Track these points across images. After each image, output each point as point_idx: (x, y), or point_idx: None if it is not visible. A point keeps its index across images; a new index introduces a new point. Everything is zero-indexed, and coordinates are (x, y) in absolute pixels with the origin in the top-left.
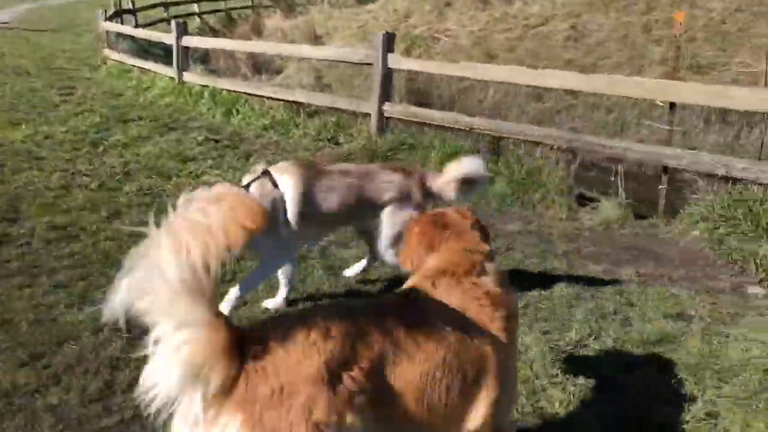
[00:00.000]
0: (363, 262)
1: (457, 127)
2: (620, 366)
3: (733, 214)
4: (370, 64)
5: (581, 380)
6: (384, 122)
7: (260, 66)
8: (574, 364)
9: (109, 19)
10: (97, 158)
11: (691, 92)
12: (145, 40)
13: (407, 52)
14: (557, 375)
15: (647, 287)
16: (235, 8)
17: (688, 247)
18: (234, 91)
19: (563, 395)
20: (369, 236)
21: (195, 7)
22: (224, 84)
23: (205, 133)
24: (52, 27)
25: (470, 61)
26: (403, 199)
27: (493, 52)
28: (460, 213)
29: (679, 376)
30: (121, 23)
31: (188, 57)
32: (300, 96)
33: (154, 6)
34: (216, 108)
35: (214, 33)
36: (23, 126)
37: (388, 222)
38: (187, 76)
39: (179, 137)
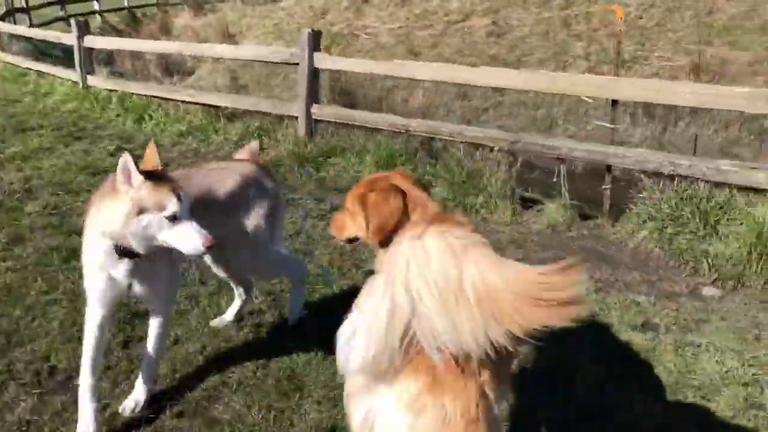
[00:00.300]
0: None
1: (391, 129)
2: (595, 388)
3: (681, 212)
4: (295, 63)
5: (556, 408)
6: (312, 125)
7: (171, 67)
8: (545, 390)
9: (1, 18)
10: None
11: (637, 89)
12: (42, 41)
13: (327, 50)
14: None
15: (606, 294)
16: (138, 6)
17: (638, 249)
18: (146, 96)
19: None
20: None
21: (95, 5)
22: (134, 88)
23: (116, 141)
24: None
25: (394, 58)
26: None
27: (416, 49)
28: (403, 175)
29: (664, 398)
30: (14, 23)
31: (92, 59)
32: (220, 99)
33: (49, 4)
34: (126, 114)
35: (118, 33)
36: None
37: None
38: (92, 80)
39: (87, 147)
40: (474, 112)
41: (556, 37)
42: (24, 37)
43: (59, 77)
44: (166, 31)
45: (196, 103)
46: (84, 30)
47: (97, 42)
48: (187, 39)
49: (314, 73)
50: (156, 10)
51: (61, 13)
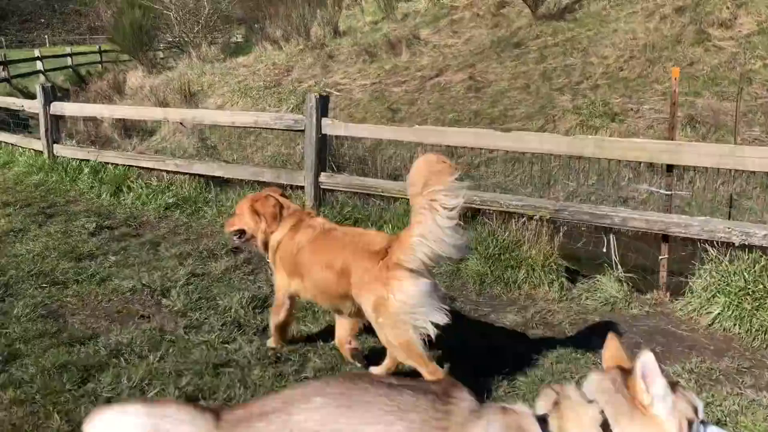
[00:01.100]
0: None
1: (405, 197)
2: None
3: (759, 286)
4: (300, 130)
5: None
6: (321, 195)
7: (129, 128)
8: None
9: None
10: None
11: (701, 155)
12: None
13: (298, 109)
14: None
15: (713, 389)
16: (82, 64)
17: (714, 328)
18: (123, 165)
19: None
20: None
21: (38, 64)
22: (109, 156)
23: (95, 218)
24: None
25: (370, 115)
26: None
27: (394, 105)
28: (274, 190)
29: None
30: None
31: (59, 126)
32: (213, 169)
33: None
34: (101, 186)
35: (65, 92)
36: None
37: None
38: (60, 149)
39: (63, 227)
40: (464, 168)
41: (539, 90)
42: None
43: (18, 146)
44: (118, 91)
45: (185, 173)
46: (51, 95)
47: (66, 108)
48: (142, 98)
49: (322, 140)
50: (100, 68)
51: (3, 74)
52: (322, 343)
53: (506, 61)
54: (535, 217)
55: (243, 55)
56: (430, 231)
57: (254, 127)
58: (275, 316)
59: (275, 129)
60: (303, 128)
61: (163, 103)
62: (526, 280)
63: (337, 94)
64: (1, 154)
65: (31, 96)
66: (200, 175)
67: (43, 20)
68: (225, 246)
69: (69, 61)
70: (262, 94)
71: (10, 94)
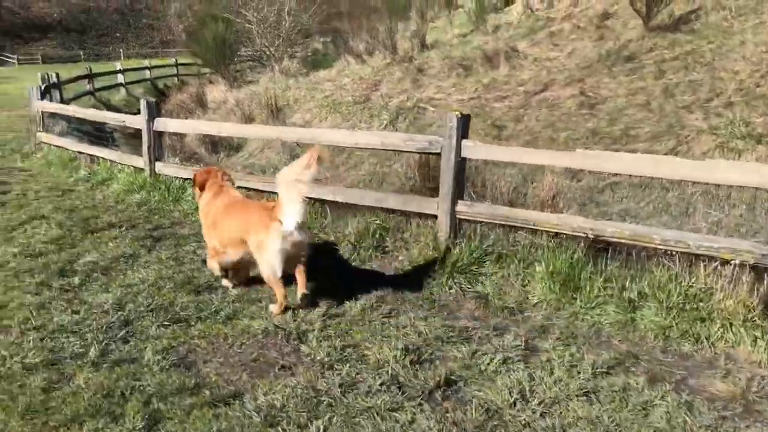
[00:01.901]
0: None
1: (572, 233)
2: None
3: None
4: (435, 153)
5: None
6: (457, 226)
7: (215, 142)
8: None
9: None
10: (76, 299)
11: None
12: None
13: (392, 125)
14: None
15: None
16: (159, 77)
17: None
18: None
19: None
20: None
21: (119, 77)
22: None
23: (203, 243)
24: None
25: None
26: None
27: (498, 122)
28: (216, 168)
29: None
30: (51, 100)
31: (162, 143)
32: (332, 194)
33: (77, 78)
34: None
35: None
36: None
37: None
38: (162, 167)
39: (174, 253)
40: (586, 192)
41: (662, 108)
42: (67, 117)
43: (117, 162)
44: (201, 104)
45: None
46: (154, 111)
47: (170, 125)
48: (227, 113)
49: (461, 164)
50: (176, 81)
51: (88, 87)
52: None
53: (619, 76)
54: (734, 262)
55: (324, 68)
56: (296, 204)
57: (382, 149)
58: (212, 261)
59: (404, 152)
60: (439, 151)
61: (249, 118)
62: (720, 337)
63: (432, 109)
64: (99, 170)
65: (114, 108)
66: (314, 199)
67: (118, 34)
68: (359, 282)
69: (147, 74)
70: (351, 109)
71: (94, 106)
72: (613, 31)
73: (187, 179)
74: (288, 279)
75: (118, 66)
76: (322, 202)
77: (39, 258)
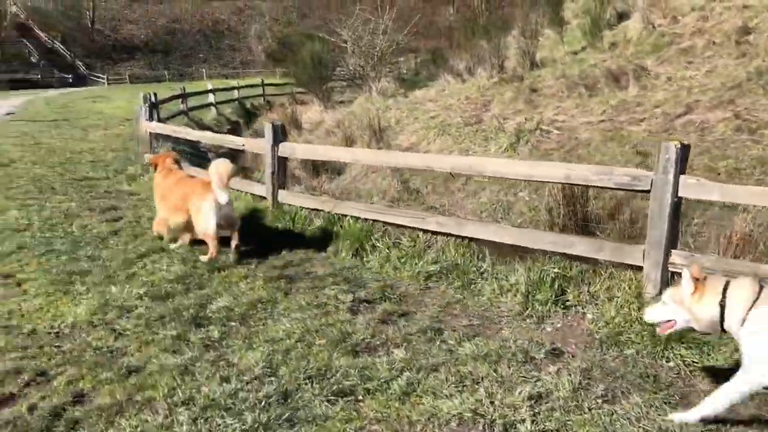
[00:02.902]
0: None
1: None
2: None
3: None
4: (644, 190)
5: None
6: (669, 281)
7: (317, 165)
8: None
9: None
10: (221, 361)
11: None
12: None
13: (512, 149)
14: None
15: None
16: (246, 97)
17: None
18: (365, 219)
19: None
20: None
21: (210, 97)
22: (349, 208)
23: (344, 286)
24: (52, 119)
25: (609, 158)
26: None
27: (640, 147)
28: (169, 153)
29: None
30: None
31: (286, 170)
32: (497, 234)
33: (173, 98)
34: (338, 243)
35: (233, 124)
36: (79, 292)
37: None
38: (286, 196)
39: (314, 297)
40: None
41: None
42: (166, 136)
43: (234, 189)
44: (296, 125)
45: (448, 234)
46: (279, 135)
47: (297, 150)
48: (325, 134)
49: (677, 206)
50: (262, 101)
51: (182, 107)
52: None
53: None
54: None
55: (420, 88)
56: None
57: (569, 183)
58: (161, 227)
59: (596, 187)
60: (648, 188)
61: (350, 140)
62: None
63: (557, 132)
64: None
65: (206, 127)
66: (468, 238)
67: (201, 55)
68: (541, 344)
69: (235, 93)
70: (462, 131)
71: (187, 125)
72: (756, 47)
73: (315, 210)
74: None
75: (209, 86)
76: (476, 240)
77: (168, 301)
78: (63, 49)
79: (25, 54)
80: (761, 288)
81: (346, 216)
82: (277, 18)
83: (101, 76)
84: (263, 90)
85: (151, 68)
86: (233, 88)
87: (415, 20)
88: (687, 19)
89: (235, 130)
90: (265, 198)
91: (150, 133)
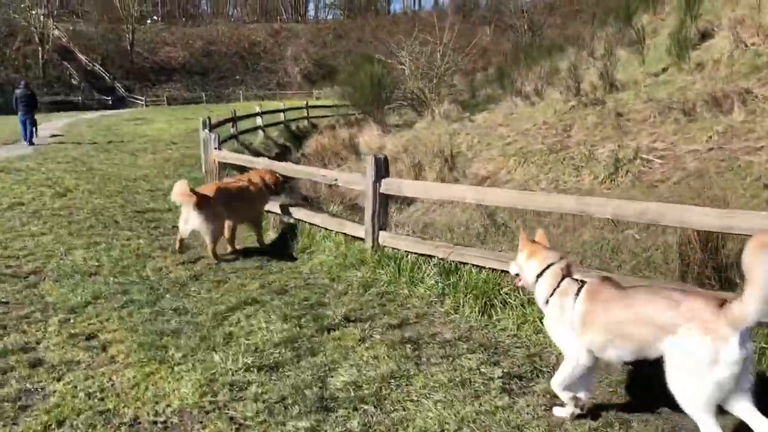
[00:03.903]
0: None
1: None
2: None
3: None
4: None
5: None
6: None
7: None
8: None
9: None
10: None
11: None
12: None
13: (611, 180)
14: None
15: None
16: (291, 120)
17: None
18: (491, 269)
19: None
20: None
21: (258, 120)
22: (471, 256)
23: (483, 355)
24: (97, 142)
25: (732, 192)
26: None
27: (766, 180)
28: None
29: None
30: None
31: (388, 209)
32: None
33: (224, 122)
34: (457, 296)
35: (281, 148)
36: (177, 361)
37: None
38: (388, 239)
39: (450, 370)
40: None
41: None
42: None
43: (321, 227)
44: (353, 150)
45: None
46: (382, 170)
47: (405, 188)
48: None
49: None
50: (306, 123)
51: (232, 131)
52: None
53: None
54: None
55: (480, 111)
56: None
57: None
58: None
59: None
60: None
61: (419, 167)
62: None
63: (660, 162)
64: (297, 235)
65: (256, 152)
66: None
67: (237, 77)
68: None
69: (281, 116)
70: (547, 159)
71: (237, 151)
72: None
73: (426, 256)
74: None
75: (258, 108)
76: None
77: (281, 373)
78: (103, 71)
79: (67, 76)
80: (563, 278)
81: (465, 264)
82: (312, 40)
83: (140, 98)
84: (307, 112)
85: (188, 90)
86: (279, 110)
87: (475, 41)
88: None
89: (284, 153)
90: (362, 240)
91: (219, 162)
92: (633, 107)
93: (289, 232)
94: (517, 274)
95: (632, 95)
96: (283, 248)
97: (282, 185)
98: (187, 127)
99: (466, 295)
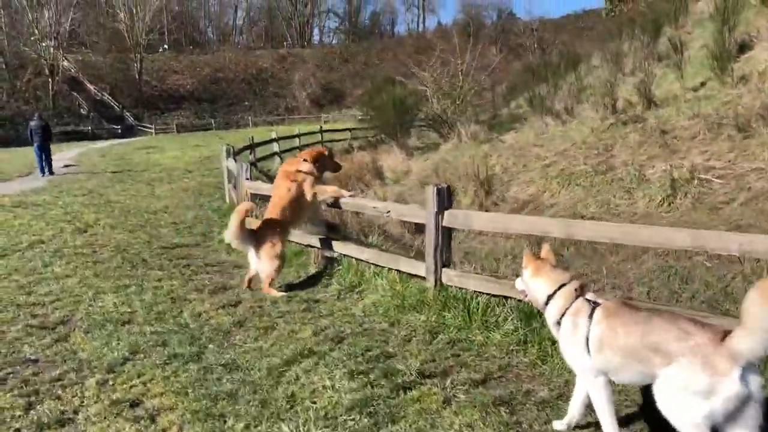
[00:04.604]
0: None
1: None
2: None
3: None
4: None
5: None
6: None
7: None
8: None
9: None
10: None
11: None
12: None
13: (668, 203)
14: None
15: None
16: (306, 145)
17: None
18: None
19: None
20: None
21: (275, 146)
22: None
23: (590, 418)
24: (111, 172)
25: None
26: None
27: None
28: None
29: None
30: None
31: (451, 245)
32: None
33: (243, 149)
34: (545, 345)
35: None
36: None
37: None
38: (454, 277)
39: None
40: None
41: None
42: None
43: (371, 263)
44: (378, 176)
45: None
46: (446, 200)
47: (474, 220)
48: (414, 185)
49: None
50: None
51: (251, 157)
52: None
53: None
54: None
55: (507, 131)
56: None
57: None
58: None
59: None
60: None
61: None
62: None
63: (720, 182)
64: (339, 273)
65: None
66: None
67: (246, 103)
68: None
69: (296, 141)
70: (594, 181)
71: (257, 178)
72: None
73: (499, 297)
74: None
75: (274, 134)
76: None
77: None
78: (111, 100)
79: (76, 106)
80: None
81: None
82: (318, 64)
83: (149, 126)
84: (321, 137)
85: (197, 117)
86: (295, 135)
87: (498, 59)
88: None
89: None
90: (423, 278)
91: (251, 194)
92: (678, 124)
93: (330, 267)
94: (523, 290)
95: (674, 111)
96: (327, 286)
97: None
98: (200, 155)
99: (554, 343)
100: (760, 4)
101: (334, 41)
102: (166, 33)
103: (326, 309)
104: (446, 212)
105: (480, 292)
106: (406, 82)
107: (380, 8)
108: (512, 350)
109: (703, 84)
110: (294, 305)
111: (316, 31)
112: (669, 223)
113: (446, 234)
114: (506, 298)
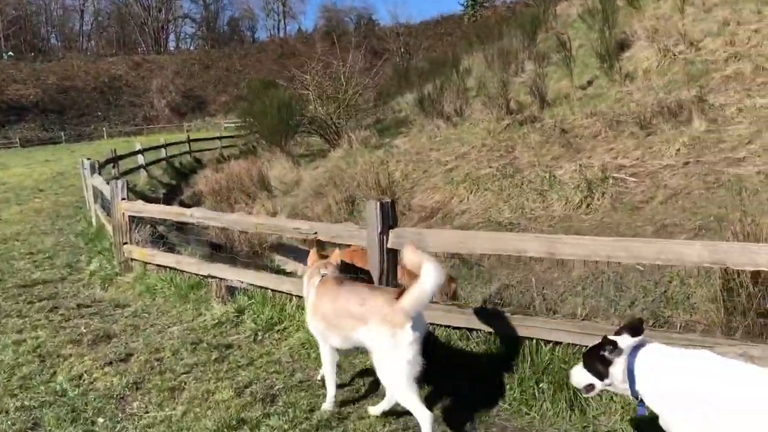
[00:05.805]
0: None
1: None
2: None
3: None
4: None
5: None
6: None
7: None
8: None
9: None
10: None
11: None
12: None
13: (587, 205)
14: None
15: None
16: (174, 156)
17: None
18: (571, 344)
19: None
20: None
21: (140, 159)
22: (536, 328)
23: None
24: None
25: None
26: None
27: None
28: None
29: None
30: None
31: (397, 268)
32: None
33: (106, 163)
34: (528, 386)
35: (167, 187)
36: None
37: None
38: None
39: None
40: None
41: None
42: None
43: (290, 294)
44: (264, 186)
45: None
46: (390, 218)
47: (430, 241)
48: (308, 196)
49: None
50: (189, 158)
51: (114, 172)
52: None
53: None
54: None
55: (395, 135)
56: None
57: None
58: None
59: None
60: None
61: (350, 202)
62: None
63: (634, 180)
64: (253, 305)
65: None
66: None
67: (99, 113)
68: None
69: (163, 152)
70: (502, 185)
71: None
72: None
73: (461, 329)
74: None
75: (138, 146)
76: None
77: None
78: None
79: None
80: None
81: (529, 339)
82: (178, 71)
83: None
84: (189, 146)
85: (44, 130)
86: (160, 146)
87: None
88: (709, 45)
89: (173, 193)
90: None
91: (129, 216)
92: (576, 123)
93: (235, 300)
94: None
95: (568, 110)
96: (238, 325)
97: None
98: (51, 171)
99: (538, 383)
100: (627, 5)
101: (192, 47)
102: (1, 39)
103: (243, 357)
104: (392, 231)
105: (436, 324)
106: (287, 85)
107: (239, 14)
108: (491, 387)
109: (590, 82)
110: (201, 354)
111: (172, 36)
112: (591, 225)
113: (392, 257)
114: (470, 330)
